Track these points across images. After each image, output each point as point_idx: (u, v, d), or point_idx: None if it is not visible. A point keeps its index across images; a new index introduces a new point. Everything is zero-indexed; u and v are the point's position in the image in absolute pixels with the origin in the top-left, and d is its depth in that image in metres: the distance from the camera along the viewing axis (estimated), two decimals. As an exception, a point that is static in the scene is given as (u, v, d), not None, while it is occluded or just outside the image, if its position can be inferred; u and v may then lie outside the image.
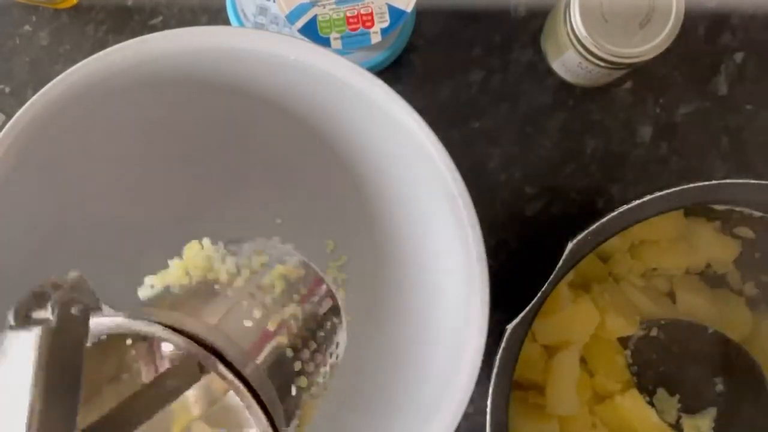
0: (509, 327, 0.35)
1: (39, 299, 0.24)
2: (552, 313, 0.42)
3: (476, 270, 0.36)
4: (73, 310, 0.24)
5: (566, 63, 0.44)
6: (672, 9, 0.38)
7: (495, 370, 0.35)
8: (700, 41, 0.48)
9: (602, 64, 0.40)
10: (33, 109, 0.36)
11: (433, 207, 0.38)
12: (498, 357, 0.35)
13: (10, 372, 0.23)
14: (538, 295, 0.35)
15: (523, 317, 0.35)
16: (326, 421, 0.41)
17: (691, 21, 0.46)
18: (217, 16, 0.48)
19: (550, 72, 0.47)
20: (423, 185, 0.38)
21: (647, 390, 0.45)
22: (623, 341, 0.45)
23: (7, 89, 0.48)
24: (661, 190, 0.36)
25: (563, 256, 0.35)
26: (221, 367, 0.24)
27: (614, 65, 0.40)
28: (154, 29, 0.48)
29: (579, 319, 0.42)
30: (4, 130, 0.35)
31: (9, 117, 0.48)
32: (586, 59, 0.41)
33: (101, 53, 0.35)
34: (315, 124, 0.40)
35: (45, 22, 0.48)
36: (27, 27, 0.48)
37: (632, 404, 0.43)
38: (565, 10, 0.40)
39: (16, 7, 0.48)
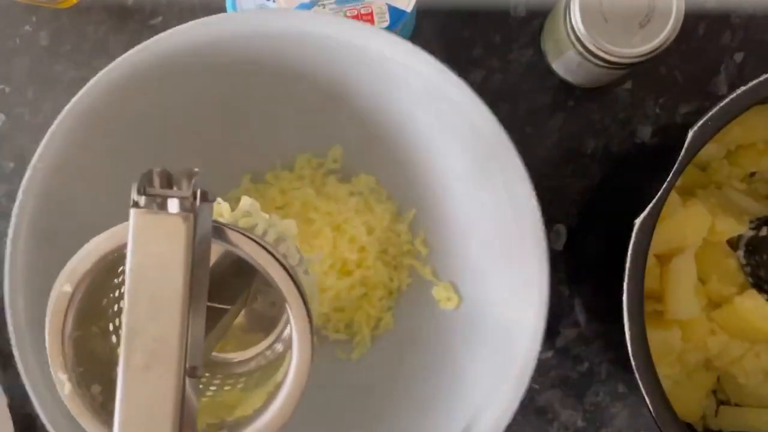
0: (637, 221, 0.35)
1: (162, 179, 0.25)
2: (663, 219, 0.40)
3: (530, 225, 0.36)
4: (207, 195, 0.25)
5: (566, 63, 0.44)
6: (672, 9, 0.38)
7: (627, 266, 0.35)
8: (700, 41, 0.48)
9: (602, 64, 0.40)
10: (96, 87, 0.37)
11: (478, 170, 0.38)
12: (629, 252, 0.35)
13: (161, 250, 0.24)
14: (664, 186, 0.35)
15: (651, 210, 0.35)
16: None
17: (691, 21, 0.46)
18: (217, 16, 0.48)
19: (550, 72, 0.47)
20: (465, 148, 0.38)
21: (763, 290, 0.45)
22: (732, 245, 0.45)
23: (7, 89, 0.48)
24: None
25: (685, 144, 0.35)
26: (280, 268, 0.27)
27: (614, 65, 0.40)
28: (154, 29, 0.48)
29: (691, 222, 0.42)
30: (67, 107, 0.36)
31: (9, 117, 0.48)
32: (586, 59, 0.41)
33: (165, 34, 0.37)
34: (363, 106, 0.41)
35: (45, 23, 0.48)
36: (27, 27, 0.48)
37: (753, 304, 0.43)
38: (565, 10, 0.40)
39: (16, 7, 0.48)
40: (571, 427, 0.47)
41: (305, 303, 0.28)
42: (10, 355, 0.48)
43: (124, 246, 0.25)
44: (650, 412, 0.35)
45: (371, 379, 0.43)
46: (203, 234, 0.25)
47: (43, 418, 0.36)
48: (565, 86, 0.47)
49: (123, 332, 0.24)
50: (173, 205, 0.24)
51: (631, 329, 0.35)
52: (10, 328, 0.37)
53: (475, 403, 0.38)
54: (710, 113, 0.35)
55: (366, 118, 0.41)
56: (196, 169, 0.25)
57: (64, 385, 0.26)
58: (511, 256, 0.38)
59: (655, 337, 0.39)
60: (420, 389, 0.42)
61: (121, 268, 0.29)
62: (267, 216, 0.32)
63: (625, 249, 0.35)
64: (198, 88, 0.39)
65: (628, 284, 0.35)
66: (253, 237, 0.27)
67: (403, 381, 0.43)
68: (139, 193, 0.24)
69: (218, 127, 0.42)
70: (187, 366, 0.24)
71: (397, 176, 0.44)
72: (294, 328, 0.27)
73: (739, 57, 0.48)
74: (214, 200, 0.25)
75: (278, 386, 0.28)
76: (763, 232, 0.46)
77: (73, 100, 0.36)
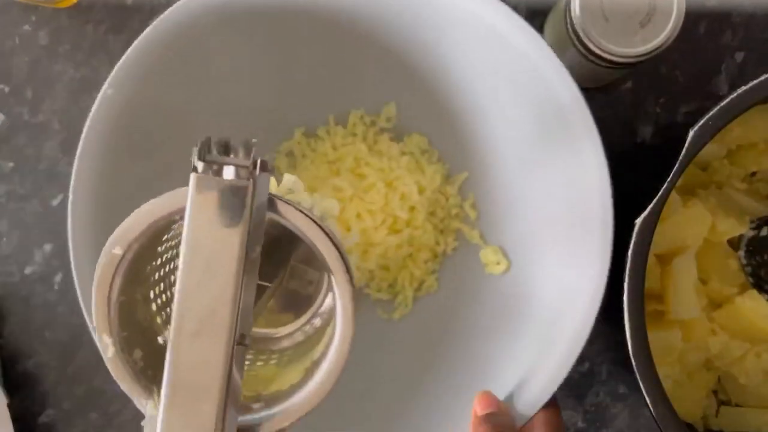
0: (638, 221, 0.35)
1: (220, 147, 0.25)
2: (663, 220, 0.41)
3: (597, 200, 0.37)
4: (267, 165, 0.25)
5: (567, 62, 0.44)
6: (673, 8, 0.38)
7: (628, 266, 0.35)
8: (700, 40, 0.47)
9: (603, 63, 0.40)
10: (167, 20, 0.37)
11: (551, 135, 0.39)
12: (630, 252, 0.35)
13: (220, 216, 0.24)
14: (664, 185, 0.35)
15: (651, 209, 0.35)
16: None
17: (691, 20, 0.46)
18: (217, 16, 0.48)
19: (550, 71, 0.47)
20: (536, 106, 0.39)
21: (764, 290, 0.46)
22: (733, 245, 0.45)
23: (7, 89, 0.48)
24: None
25: (686, 144, 0.35)
26: (330, 242, 0.27)
27: (615, 65, 0.40)
28: (153, 29, 0.48)
29: (692, 222, 0.42)
30: (141, 37, 0.37)
31: (8, 117, 0.48)
32: (587, 59, 0.40)
33: None
34: (419, 63, 0.41)
35: (44, 22, 0.48)
36: (26, 26, 0.48)
37: (753, 304, 0.43)
38: (566, 9, 0.40)
39: (15, 7, 0.48)
40: (572, 427, 0.47)
41: (351, 279, 0.27)
42: (11, 355, 0.48)
43: (176, 212, 0.26)
44: (651, 412, 0.35)
45: (412, 340, 0.44)
46: (260, 203, 0.25)
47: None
48: (565, 86, 0.47)
49: (176, 296, 0.24)
50: (229, 172, 0.24)
51: (631, 329, 0.35)
52: (80, 299, 0.38)
53: (520, 370, 0.38)
54: (711, 113, 0.35)
55: (421, 76, 0.41)
56: (254, 140, 0.25)
57: (108, 349, 0.26)
58: (571, 228, 0.38)
59: (655, 337, 0.39)
60: (462, 353, 0.42)
61: (166, 236, 0.29)
62: (308, 195, 0.32)
63: (625, 249, 0.35)
64: (255, 39, 0.40)
65: (628, 284, 0.35)
66: (304, 210, 0.27)
67: (445, 344, 0.43)
68: (200, 159, 0.24)
69: (273, 79, 0.42)
70: (237, 334, 0.24)
71: (449, 137, 0.44)
72: (338, 303, 0.27)
73: (739, 56, 0.47)
74: (272, 171, 0.25)
75: (316, 362, 0.28)
76: (764, 232, 0.46)
77: (137, 41, 0.37)
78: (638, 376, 0.35)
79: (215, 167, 0.24)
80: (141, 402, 0.27)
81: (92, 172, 0.38)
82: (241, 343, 0.25)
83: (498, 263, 0.42)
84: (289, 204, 0.27)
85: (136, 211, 0.26)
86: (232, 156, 0.25)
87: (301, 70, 0.42)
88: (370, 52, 0.41)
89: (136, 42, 0.37)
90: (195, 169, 0.24)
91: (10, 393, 0.46)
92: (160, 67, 0.38)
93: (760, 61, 0.47)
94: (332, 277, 0.27)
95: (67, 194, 0.47)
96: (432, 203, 0.44)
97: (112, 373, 0.27)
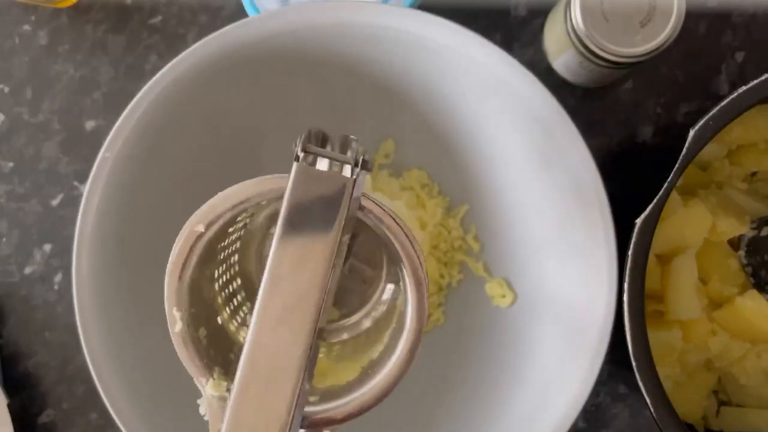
0: (638, 221, 0.35)
1: (316, 139, 0.25)
2: (663, 220, 0.41)
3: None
4: (368, 164, 0.25)
5: (567, 62, 0.44)
6: (673, 8, 0.38)
7: (628, 265, 0.35)
8: (701, 40, 0.47)
9: (603, 63, 0.40)
10: (172, 72, 0.38)
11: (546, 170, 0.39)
12: (630, 252, 0.35)
13: (317, 207, 0.24)
14: (665, 186, 0.35)
15: (652, 209, 0.35)
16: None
17: (692, 20, 0.46)
18: (216, 15, 0.48)
19: (550, 71, 0.47)
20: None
21: (764, 290, 0.46)
22: (734, 245, 0.45)
23: (6, 89, 0.48)
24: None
25: (686, 144, 0.35)
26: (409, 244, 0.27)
27: (615, 65, 0.40)
28: (153, 28, 0.48)
29: (692, 222, 0.42)
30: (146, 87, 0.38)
31: (8, 117, 0.48)
32: (587, 59, 0.40)
33: (235, 25, 0.38)
34: (414, 98, 0.41)
35: (44, 22, 0.48)
36: (26, 26, 0.48)
37: (754, 304, 0.43)
38: (566, 9, 0.40)
39: (15, 7, 0.48)
40: (572, 427, 0.47)
41: (425, 279, 0.27)
42: (11, 355, 0.48)
43: (261, 196, 0.26)
44: (651, 412, 0.35)
45: (420, 374, 0.43)
46: (355, 197, 0.25)
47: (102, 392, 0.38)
48: (566, 86, 0.47)
49: (265, 279, 0.24)
50: (323, 164, 0.25)
51: (631, 329, 0.35)
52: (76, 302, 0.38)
53: (533, 404, 0.38)
54: (711, 113, 0.35)
55: (418, 111, 0.41)
56: (353, 136, 0.25)
57: (176, 323, 0.27)
58: (576, 247, 0.38)
59: (655, 337, 0.39)
60: (472, 387, 0.42)
61: (240, 218, 0.30)
62: (378, 196, 0.32)
63: (625, 249, 0.35)
64: (250, 82, 0.40)
65: (628, 284, 0.35)
66: (385, 207, 0.27)
67: (454, 378, 0.43)
68: (303, 149, 0.24)
69: (273, 120, 0.42)
70: (318, 326, 0.24)
71: (448, 170, 0.44)
72: (409, 303, 0.27)
73: (740, 56, 0.47)
74: (371, 170, 0.26)
75: (376, 362, 0.28)
76: (765, 232, 0.46)
77: (138, 95, 0.37)
78: (638, 377, 0.35)
79: (310, 158, 0.25)
80: (200, 381, 0.27)
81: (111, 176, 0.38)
82: (320, 336, 0.25)
83: (504, 296, 0.42)
84: (370, 199, 0.27)
85: (222, 192, 0.26)
86: (329, 148, 0.25)
87: (299, 108, 0.42)
88: (368, 90, 0.41)
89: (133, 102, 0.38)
90: (297, 158, 0.24)
91: (10, 393, 0.46)
92: (178, 98, 0.39)
93: (760, 61, 0.47)
94: (405, 274, 0.27)
95: (67, 194, 0.48)
96: (434, 237, 0.44)
97: (177, 348, 0.27)
